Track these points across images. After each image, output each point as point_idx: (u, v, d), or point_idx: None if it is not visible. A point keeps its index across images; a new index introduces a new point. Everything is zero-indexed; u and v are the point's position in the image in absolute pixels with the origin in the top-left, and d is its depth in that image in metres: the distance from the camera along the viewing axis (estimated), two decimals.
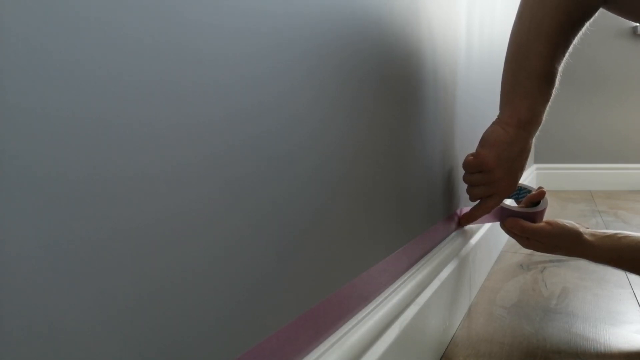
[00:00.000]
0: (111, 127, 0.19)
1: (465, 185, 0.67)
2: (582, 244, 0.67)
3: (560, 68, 0.58)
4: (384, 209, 0.47)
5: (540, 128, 0.61)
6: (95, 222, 0.18)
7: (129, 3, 0.20)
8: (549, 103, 0.60)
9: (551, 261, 0.98)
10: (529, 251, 1.04)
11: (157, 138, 0.21)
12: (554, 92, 0.59)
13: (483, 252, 0.85)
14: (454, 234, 0.72)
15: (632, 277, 0.84)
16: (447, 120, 0.69)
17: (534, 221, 0.70)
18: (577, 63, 2.00)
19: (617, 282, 0.83)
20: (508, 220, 0.70)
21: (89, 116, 0.18)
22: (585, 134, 2.16)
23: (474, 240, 0.78)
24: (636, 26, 2.02)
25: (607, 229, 0.97)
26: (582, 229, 0.68)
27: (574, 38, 0.57)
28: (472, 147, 0.72)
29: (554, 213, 1.52)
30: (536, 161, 2.22)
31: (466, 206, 0.77)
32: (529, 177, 1.81)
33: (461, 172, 0.67)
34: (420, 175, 0.58)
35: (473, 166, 0.62)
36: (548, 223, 0.69)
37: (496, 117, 0.61)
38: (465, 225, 0.76)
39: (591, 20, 0.57)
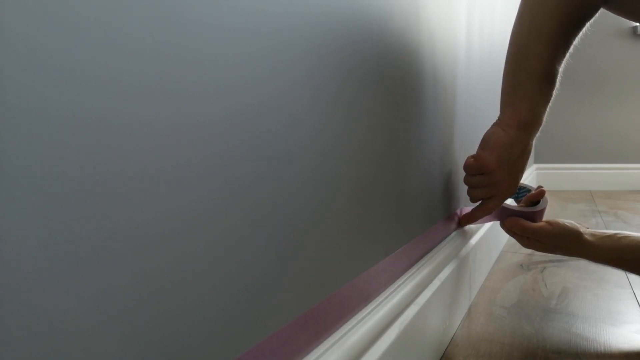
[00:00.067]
0: (111, 127, 0.19)
1: (465, 186, 0.67)
2: (582, 243, 0.67)
3: (561, 69, 0.58)
4: (383, 208, 0.47)
5: (540, 129, 0.61)
6: (95, 222, 0.18)
7: (129, 3, 0.20)
8: (550, 104, 0.60)
9: (551, 261, 0.97)
10: (529, 251, 1.04)
11: (157, 138, 0.21)
12: (554, 92, 0.59)
13: (483, 252, 0.85)
14: (454, 234, 0.72)
15: (632, 277, 0.84)
16: (447, 120, 0.69)
17: (534, 220, 0.70)
18: (578, 63, 2.00)
19: (617, 282, 0.83)
20: (508, 220, 0.71)
21: (89, 116, 0.18)
22: (586, 134, 2.16)
23: (473, 240, 0.78)
24: (636, 26, 2.02)
25: (607, 229, 0.97)
26: (582, 229, 0.68)
27: (574, 39, 0.57)
28: (471, 147, 0.72)
29: (554, 213, 1.52)
30: (536, 161, 2.22)
31: (466, 206, 0.77)
32: (529, 177, 1.81)
33: (461, 171, 0.67)
34: (420, 175, 0.58)
35: (474, 168, 0.62)
36: (548, 223, 0.69)
37: (496, 118, 0.61)
38: (465, 225, 0.76)
39: (591, 20, 0.57)
